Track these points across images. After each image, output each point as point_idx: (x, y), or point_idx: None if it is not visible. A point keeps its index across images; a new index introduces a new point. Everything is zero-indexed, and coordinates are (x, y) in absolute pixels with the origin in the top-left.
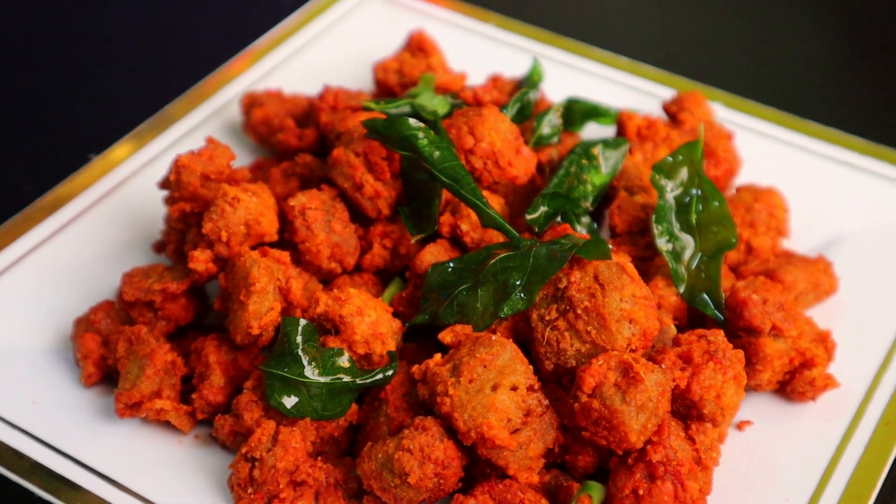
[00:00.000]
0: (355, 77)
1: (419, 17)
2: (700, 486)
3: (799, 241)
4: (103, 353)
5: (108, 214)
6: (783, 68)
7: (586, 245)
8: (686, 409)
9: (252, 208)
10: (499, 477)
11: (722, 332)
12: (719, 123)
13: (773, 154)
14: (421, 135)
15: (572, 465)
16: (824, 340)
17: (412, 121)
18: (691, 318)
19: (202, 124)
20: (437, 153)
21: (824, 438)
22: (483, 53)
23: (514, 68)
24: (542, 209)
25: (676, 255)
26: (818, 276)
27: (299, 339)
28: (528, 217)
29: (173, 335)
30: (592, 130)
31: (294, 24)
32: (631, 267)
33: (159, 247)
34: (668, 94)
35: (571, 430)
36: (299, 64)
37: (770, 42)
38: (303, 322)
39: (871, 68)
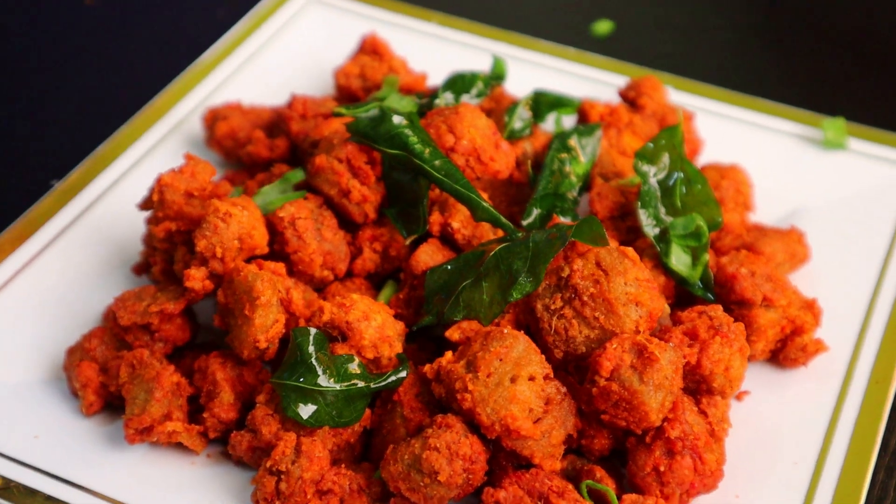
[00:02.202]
0: (309, 84)
1: (362, 21)
2: (716, 458)
3: (762, 214)
4: (103, 380)
5: (80, 240)
6: (717, 47)
7: (580, 225)
8: (695, 384)
9: (245, 222)
10: (518, 467)
11: (721, 307)
12: (678, 106)
13: (723, 132)
14: (409, 132)
15: (588, 448)
16: (811, 307)
17: (397, 118)
18: (679, 296)
19: (161, 143)
20: (427, 150)
21: (820, 401)
22: (431, 52)
23: (463, 64)
24: (536, 212)
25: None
26: (793, 246)
27: (311, 348)
28: (525, 222)
29: (170, 356)
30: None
31: (238, 36)
32: (631, 251)
33: (140, 268)
34: (616, 80)
35: (587, 415)
36: (249, 75)
37: (701, 22)
38: (313, 331)
39: (802, 43)
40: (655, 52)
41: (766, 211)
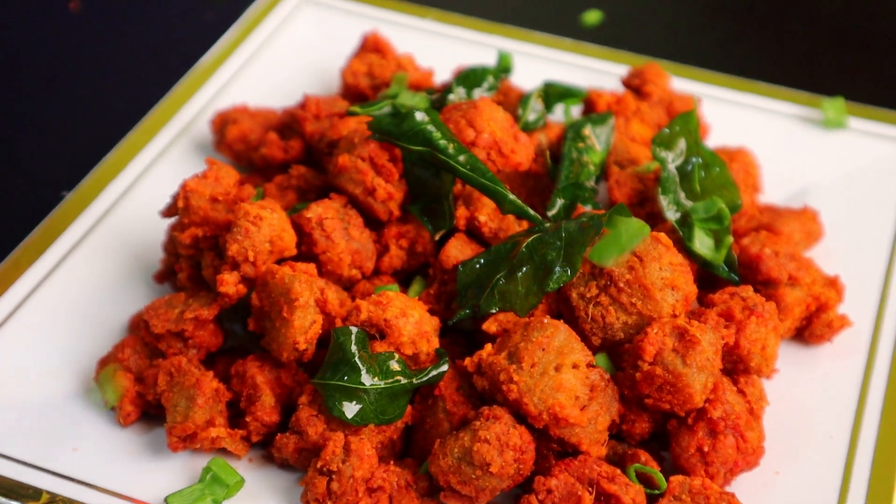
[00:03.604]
0: (308, 84)
1: (355, 19)
2: (757, 435)
3: (769, 195)
4: (139, 389)
5: (97, 250)
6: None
7: (611, 214)
8: (732, 364)
9: (275, 224)
10: (560, 455)
11: (751, 288)
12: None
13: (725, 116)
14: (433, 128)
15: (629, 433)
16: (834, 284)
17: (419, 115)
18: (699, 280)
19: (168, 149)
20: (451, 145)
21: (848, 374)
22: (426, 48)
23: (459, 59)
24: (560, 202)
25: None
26: (809, 224)
27: (354, 347)
28: (550, 213)
29: (202, 363)
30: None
31: (235, 39)
32: (664, 237)
33: (162, 276)
34: (612, 69)
35: (629, 399)
36: (248, 78)
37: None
38: (355, 330)
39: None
40: (646, 40)
41: (772, 192)
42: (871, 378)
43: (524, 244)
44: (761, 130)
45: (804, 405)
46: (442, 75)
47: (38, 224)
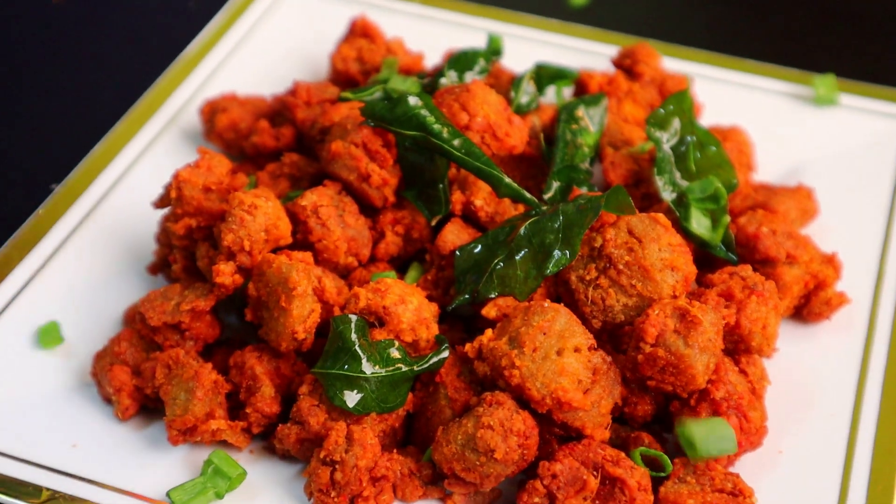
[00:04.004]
0: (296, 70)
1: (340, 5)
2: (760, 415)
3: (762, 174)
4: (137, 383)
5: (89, 242)
6: (692, 12)
7: (609, 196)
8: (733, 344)
9: (270, 213)
10: (563, 440)
11: (750, 267)
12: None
13: (716, 95)
14: (426, 113)
15: (631, 416)
16: (831, 261)
17: (412, 99)
18: (698, 260)
19: (157, 139)
20: (446, 129)
21: (847, 352)
22: (412, 31)
23: (451, 43)
24: (556, 185)
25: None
26: (804, 202)
27: (354, 335)
28: (546, 196)
29: (199, 355)
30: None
31: (220, 26)
32: (662, 217)
33: (156, 268)
34: (600, 49)
35: (631, 382)
36: (235, 65)
37: None
38: (354, 318)
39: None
40: (634, 20)
41: (765, 170)
42: (870, 355)
43: (522, 228)
44: (753, 109)
45: (805, 384)
46: (431, 59)
47: (28, 218)
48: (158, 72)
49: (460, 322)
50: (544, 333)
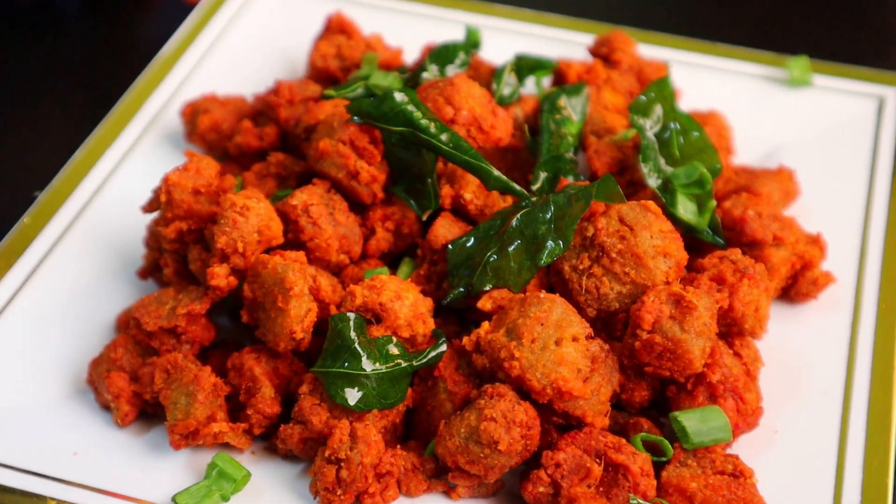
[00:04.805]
0: (272, 69)
1: (315, 2)
2: (755, 396)
3: (741, 156)
4: (135, 388)
5: (75, 249)
6: None
7: (599, 185)
8: (726, 327)
9: (262, 214)
10: (562, 429)
11: (739, 251)
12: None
13: (691, 80)
14: (413, 108)
15: (628, 402)
16: (817, 241)
17: (398, 95)
18: (685, 245)
19: (138, 142)
20: (433, 124)
21: (835, 330)
22: (390, 26)
23: (425, 37)
24: (543, 175)
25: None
26: (786, 184)
27: (353, 333)
28: (534, 187)
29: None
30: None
31: (193, 28)
32: (653, 205)
33: (145, 272)
34: (574, 38)
35: (628, 369)
36: (211, 66)
37: None
38: (352, 316)
39: None
40: (606, 7)
41: (744, 153)
42: (858, 332)
43: (514, 220)
44: (729, 92)
45: (796, 363)
46: (407, 53)
47: (12, 227)
48: (133, 75)
49: (453, 316)
50: (542, 324)
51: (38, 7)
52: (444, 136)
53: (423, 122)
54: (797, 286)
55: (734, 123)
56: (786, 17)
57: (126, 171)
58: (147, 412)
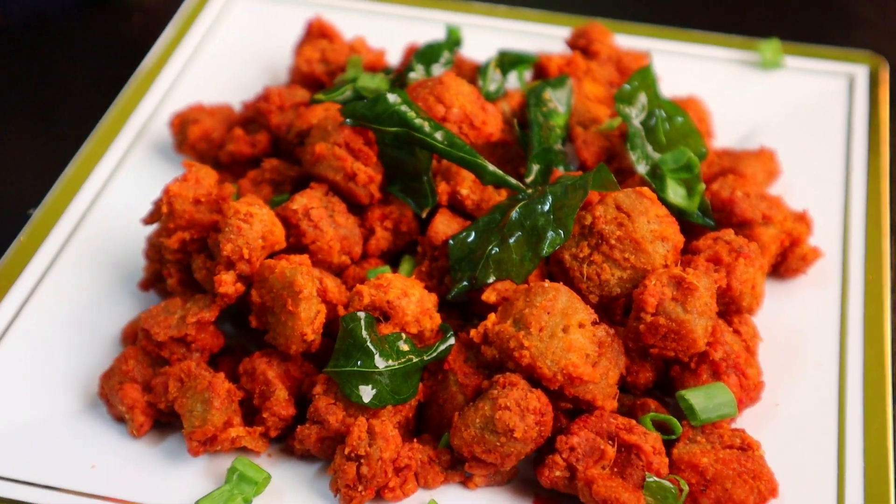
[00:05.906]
0: (255, 76)
1: (292, 7)
2: (756, 371)
3: (720, 140)
4: (149, 399)
5: (74, 263)
6: None
7: (594, 174)
8: (725, 306)
9: (266, 220)
10: (571, 414)
11: (732, 231)
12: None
13: (666, 67)
14: (406, 108)
15: (633, 384)
16: (803, 218)
17: (391, 96)
18: None
19: (127, 155)
20: (426, 123)
21: (825, 303)
22: (367, 29)
23: (403, 37)
24: (536, 168)
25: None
26: (768, 163)
27: (364, 332)
28: (528, 180)
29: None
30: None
31: (172, 38)
32: (648, 191)
33: (147, 283)
34: (548, 31)
35: (633, 351)
36: (193, 76)
37: None
38: (363, 315)
39: None
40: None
41: (722, 136)
42: (848, 303)
43: (513, 212)
44: (704, 78)
45: (790, 338)
46: (388, 55)
47: (9, 245)
48: (116, 89)
49: (456, 309)
50: (548, 313)
51: (19, 25)
52: (438, 135)
53: (418, 121)
54: (787, 262)
55: (711, 107)
56: (755, 1)
57: (118, 184)
58: (161, 421)
